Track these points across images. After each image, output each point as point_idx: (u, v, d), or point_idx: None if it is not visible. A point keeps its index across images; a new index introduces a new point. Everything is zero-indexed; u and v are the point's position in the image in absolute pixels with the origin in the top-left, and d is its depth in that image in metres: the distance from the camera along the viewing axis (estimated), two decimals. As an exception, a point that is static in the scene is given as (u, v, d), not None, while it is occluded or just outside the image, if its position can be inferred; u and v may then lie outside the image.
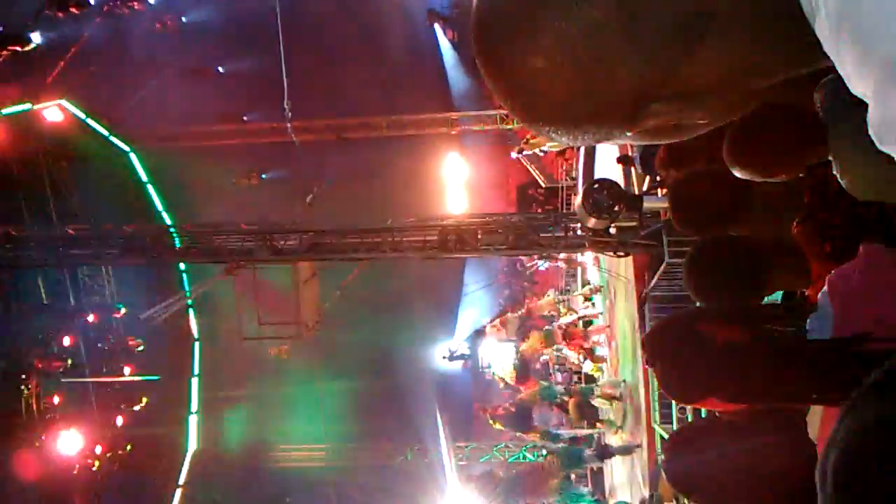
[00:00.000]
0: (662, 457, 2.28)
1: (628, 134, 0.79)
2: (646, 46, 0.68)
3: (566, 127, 0.76)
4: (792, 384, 1.45)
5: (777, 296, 2.44)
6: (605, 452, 13.40)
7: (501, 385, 17.04)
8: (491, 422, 15.85)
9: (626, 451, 12.79)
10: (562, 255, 18.17)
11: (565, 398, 15.13)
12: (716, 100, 0.76)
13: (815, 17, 0.63)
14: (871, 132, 0.64)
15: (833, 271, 1.54)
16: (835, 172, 1.77)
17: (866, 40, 0.59)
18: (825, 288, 1.52)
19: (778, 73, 0.76)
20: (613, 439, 13.96)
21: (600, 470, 15.73)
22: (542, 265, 19.58)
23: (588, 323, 17.03)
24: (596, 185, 8.70)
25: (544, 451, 16.40)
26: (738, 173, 1.97)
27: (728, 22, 0.68)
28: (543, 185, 20.04)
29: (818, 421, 1.51)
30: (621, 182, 10.82)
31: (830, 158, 1.79)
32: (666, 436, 10.02)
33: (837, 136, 1.71)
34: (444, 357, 21.13)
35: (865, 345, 1.33)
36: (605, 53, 0.68)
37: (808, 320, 1.50)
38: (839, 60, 0.63)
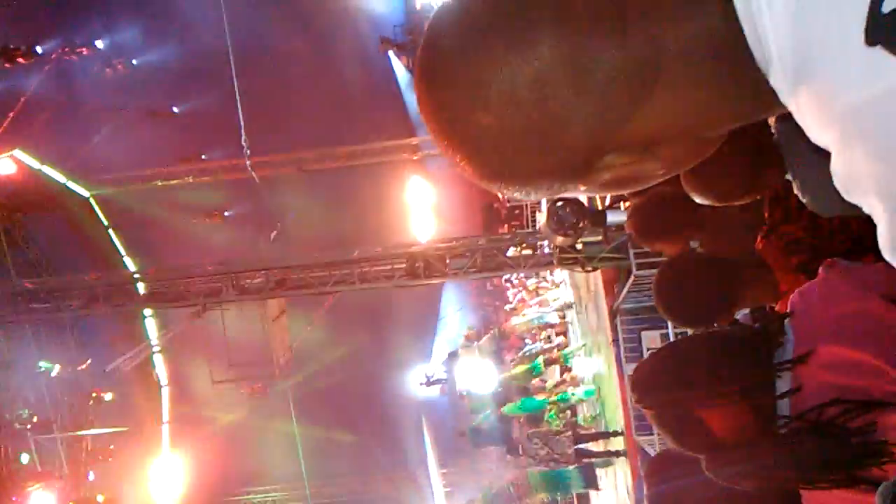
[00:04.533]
0: (644, 480, 2.26)
1: (582, 188, 0.76)
2: (594, 98, 0.65)
3: (517, 183, 0.73)
4: (784, 472, 1.46)
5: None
6: (590, 476, 13.20)
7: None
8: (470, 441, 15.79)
9: (608, 455, 12.76)
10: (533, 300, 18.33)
11: (547, 405, 15.17)
12: (670, 150, 0.73)
13: (770, 67, 0.61)
14: (835, 183, 0.61)
15: (796, 290, 1.54)
16: (795, 191, 1.77)
17: (824, 93, 0.57)
18: (789, 308, 1.52)
19: (733, 121, 0.74)
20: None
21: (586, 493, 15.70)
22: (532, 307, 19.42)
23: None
24: (559, 203, 8.74)
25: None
26: (697, 200, 1.97)
27: (678, 71, 0.65)
28: (506, 203, 20.20)
29: None
30: (584, 197, 10.91)
31: (789, 178, 1.80)
32: (647, 448, 10.04)
33: (794, 158, 1.72)
34: (421, 383, 21.03)
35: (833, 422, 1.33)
36: (553, 106, 0.65)
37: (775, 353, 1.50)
38: (797, 110, 0.62)
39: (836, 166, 0.60)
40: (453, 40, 0.68)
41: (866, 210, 0.61)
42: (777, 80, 0.61)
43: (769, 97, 0.63)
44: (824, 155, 0.62)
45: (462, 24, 0.68)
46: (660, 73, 0.65)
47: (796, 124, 0.64)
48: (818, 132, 0.60)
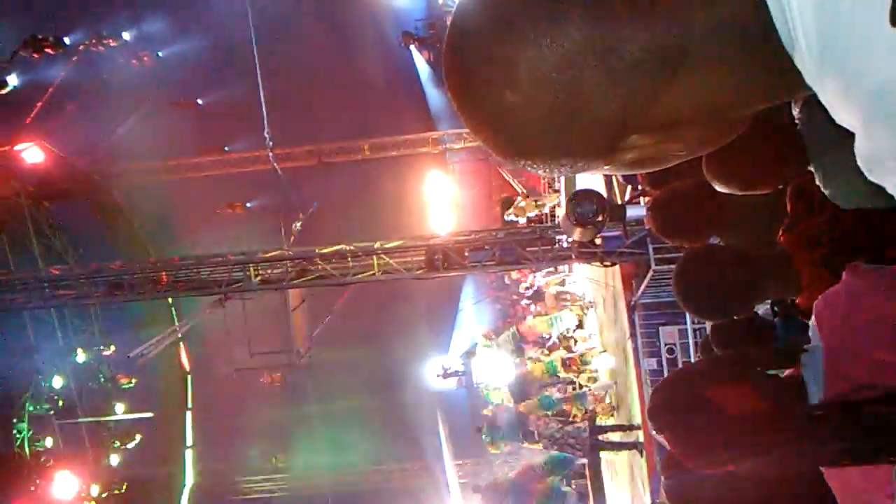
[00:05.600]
0: (661, 472, 2.27)
1: (606, 167, 0.78)
2: (622, 79, 0.66)
3: (542, 160, 0.74)
4: (809, 454, 1.44)
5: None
6: (594, 446, 13.09)
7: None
8: (486, 440, 15.78)
9: (623, 448, 12.74)
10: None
11: (564, 406, 15.13)
12: (694, 131, 0.74)
13: (795, 49, 0.62)
14: (859, 163, 0.63)
15: (820, 297, 1.53)
16: (817, 182, 1.78)
17: (850, 73, 0.58)
18: (813, 318, 1.51)
19: (758, 103, 0.75)
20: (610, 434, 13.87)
21: (598, 476, 15.68)
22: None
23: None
24: (579, 197, 8.73)
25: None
26: (719, 188, 1.97)
27: (705, 52, 0.66)
28: (525, 198, 20.12)
29: None
30: (603, 192, 10.88)
31: (812, 169, 1.81)
32: (663, 442, 10.02)
33: (817, 148, 1.73)
34: (437, 375, 21.04)
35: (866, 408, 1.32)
36: (581, 87, 0.66)
37: (801, 356, 1.49)
38: (822, 91, 0.63)
39: (860, 147, 0.61)
40: (483, 20, 0.69)
41: (890, 190, 0.63)
42: (802, 61, 0.62)
43: (794, 78, 0.64)
44: (847, 143, 0.64)
45: (492, 3, 0.69)
46: (687, 54, 0.66)
47: (819, 112, 0.65)
48: (843, 113, 0.62)
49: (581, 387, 16.18)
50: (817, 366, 1.43)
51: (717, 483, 1.86)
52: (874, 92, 0.56)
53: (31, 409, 18.03)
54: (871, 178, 0.63)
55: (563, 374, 16.13)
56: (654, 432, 1.62)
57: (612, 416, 14.24)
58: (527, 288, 20.28)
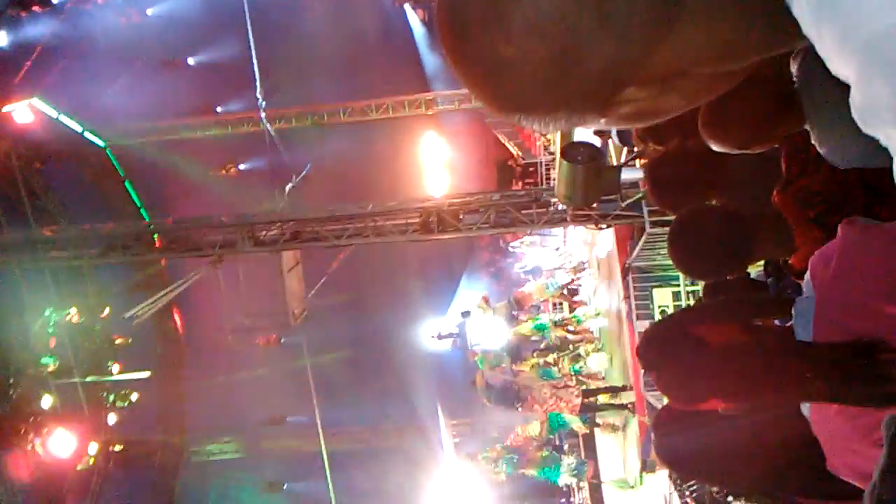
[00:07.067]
0: (651, 430, 2.30)
1: (602, 121, 0.77)
2: (619, 30, 0.65)
3: (538, 115, 0.73)
4: (792, 383, 1.46)
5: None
6: (585, 408, 13.31)
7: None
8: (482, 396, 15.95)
9: (615, 408, 12.94)
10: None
11: (560, 377, 15.30)
12: (691, 83, 0.74)
13: None
14: (854, 115, 0.62)
15: (816, 252, 1.53)
16: (813, 141, 1.77)
17: (847, 23, 0.57)
18: (808, 271, 1.52)
19: (754, 54, 0.74)
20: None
21: (592, 437, 15.90)
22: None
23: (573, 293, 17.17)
24: (576, 144, 8.64)
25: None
26: (714, 147, 1.96)
27: (702, 2, 0.66)
28: (520, 161, 20.07)
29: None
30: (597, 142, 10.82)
31: (807, 127, 1.80)
32: (654, 402, 10.15)
33: (814, 107, 1.71)
34: (432, 336, 21.20)
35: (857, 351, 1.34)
36: (577, 39, 0.65)
37: (794, 304, 1.50)
38: (819, 42, 0.62)
39: (855, 98, 0.60)
40: None
41: (883, 142, 0.62)
42: (800, 10, 0.62)
43: (791, 28, 0.63)
44: (843, 101, 0.63)
45: None
46: (683, 3, 0.65)
47: (817, 68, 0.64)
48: (839, 63, 0.61)
49: (578, 357, 16.33)
50: (808, 315, 1.44)
51: (704, 437, 1.89)
52: (871, 40, 0.56)
53: (27, 369, 18.10)
54: (865, 130, 0.63)
55: (553, 334, 16.23)
56: (642, 373, 1.67)
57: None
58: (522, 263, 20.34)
